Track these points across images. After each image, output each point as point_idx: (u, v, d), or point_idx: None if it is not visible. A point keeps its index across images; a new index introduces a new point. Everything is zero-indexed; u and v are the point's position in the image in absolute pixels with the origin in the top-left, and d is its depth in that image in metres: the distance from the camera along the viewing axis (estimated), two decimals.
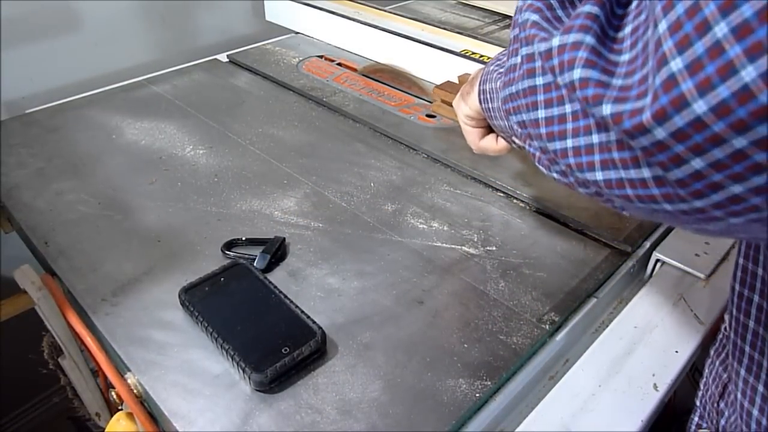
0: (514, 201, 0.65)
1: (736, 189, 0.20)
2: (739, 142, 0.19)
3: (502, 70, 0.37)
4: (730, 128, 0.19)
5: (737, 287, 0.34)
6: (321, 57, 0.99)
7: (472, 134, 0.53)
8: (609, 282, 0.55)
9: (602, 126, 0.25)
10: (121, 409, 0.52)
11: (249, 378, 0.43)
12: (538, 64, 0.29)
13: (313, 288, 0.53)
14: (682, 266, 0.58)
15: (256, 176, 0.68)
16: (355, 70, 0.95)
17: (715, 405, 0.40)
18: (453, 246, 0.58)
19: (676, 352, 0.50)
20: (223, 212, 0.62)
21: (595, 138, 0.26)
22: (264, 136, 0.76)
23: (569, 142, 0.27)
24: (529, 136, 0.32)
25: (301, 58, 0.99)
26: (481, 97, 0.45)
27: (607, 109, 0.23)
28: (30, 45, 0.91)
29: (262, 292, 0.50)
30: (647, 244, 0.60)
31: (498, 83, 0.38)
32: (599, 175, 0.26)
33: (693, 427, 0.43)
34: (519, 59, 0.31)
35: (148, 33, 1.06)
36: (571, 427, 0.44)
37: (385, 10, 0.99)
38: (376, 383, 0.44)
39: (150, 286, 0.53)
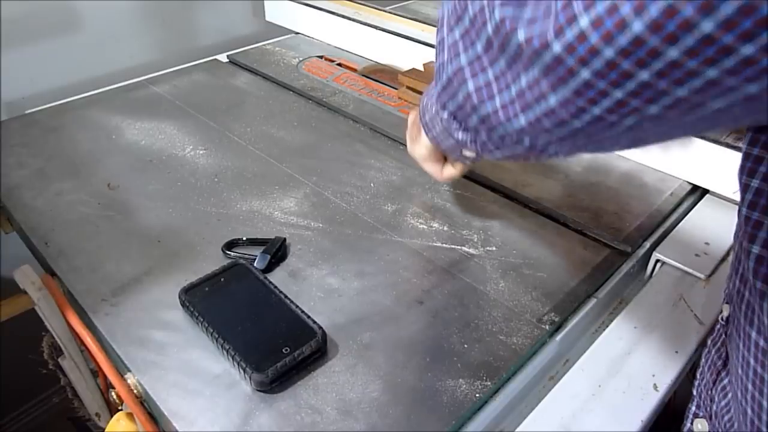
0: (514, 201, 0.65)
1: (618, 94, 0.25)
2: (608, 52, 0.24)
3: (433, 92, 0.44)
4: (601, 39, 0.24)
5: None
6: (321, 57, 0.99)
7: (434, 169, 0.58)
8: (609, 282, 0.55)
9: (517, 76, 0.31)
10: (121, 409, 0.52)
11: (250, 378, 0.43)
12: (468, 34, 0.36)
13: (313, 288, 0.53)
14: (682, 266, 0.58)
15: (256, 176, 0.68)
16: (355, 70, 0.95)
17: (709, 392, 0.41)
18: (453, 246, 0.58)
19: (676, 352, 0.50)
20: (223, 212, 0.62)
21: (513, 90, 0.32)
22: (264, 136, 0.76)
23: (497, 101, 0.34)
24: (464, 118, 0.40)
25: (301, 59, 0.99)
26: (426, 130, 0.50)
27: (521, 35, 0.29)
28: (30, 45, 0.91)
29: (263, 292, 0.50)
30: (647, 245, 0.60)
31: (434, 100, 0.45)
32: (523, 120, 0.32)
33: (690, 416, 0.44)
34: (444, 42, 0.38)
35: (148, 33, 1.06)
36: (571, 427, 0.44)
37: (385, 10, 0.99)
38: (376, 383, 0.44)
39: (150, 286, 0.53)
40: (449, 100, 0.40)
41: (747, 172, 0.31)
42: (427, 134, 0.50)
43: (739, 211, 0.32)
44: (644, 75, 0.24)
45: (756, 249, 0.31)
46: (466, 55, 0.36)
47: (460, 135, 0.43)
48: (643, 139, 0.30)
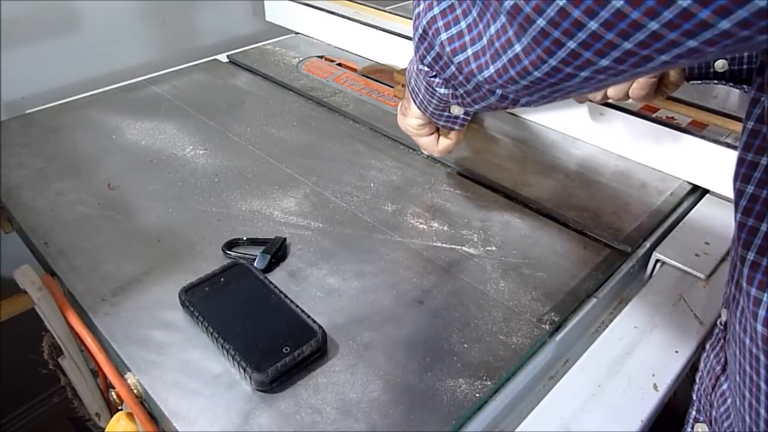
0: (514, 201, 0.65)
1: (571, 44, 0.27)
2: (561, 0, 0.26)
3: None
4: None
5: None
6: (321, 57, 0.99)
7: (428, 142, 0.59)
8: (609, 282, 0.55)
9: (487, 25, 0.34)
10: (121, 409, 0.52)
11: (250, 378, 0.43)
12: None
13: (313, 288, 0.53)
14: (682, 266, 0.58)
15: (256, 176, 0.68)
16: (355, 70, 0.95)
17: (708, 397, 0.41)
18: (453, 246, 0.58)
19: (676, 352, 0.50)
20: (223, 212, 0.62)
21: (485, 39, 0.34)
22: (264, 136, 0.76)
23: (469, 51, 0.36)
24: (442, 68, 0.42)
25: (301, 59, 0.99)
26: (413, 96, 0.51)
27: None
28: (30, 45, 0.91)
29: (262, 292, 0.50)
30: (647, 245, 0.60)
31: (414, 57, 0.46)
32: (492, 69, 0.34)
33: (691, 420, 0.44)
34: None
35: (148, 33, 1.06)
36: (571, 427, 0.44)
37: (385, 10, 0.99)
38: (376, 383, 0.44)
39: (150, 286, 0.53)
40: (427, 53, 0.42)
41: (741, 178, 0.31)
42: (414, 100, 0.52)
43: (735, 217, 0.32)
44: (593, 25, 0.25)
45: (751, 256, 0.31)
46: (440, 6, 0.38)
47: (442, 90, 0.45)
48: (607, 85, 0.32)
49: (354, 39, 0.99)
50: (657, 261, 0.60)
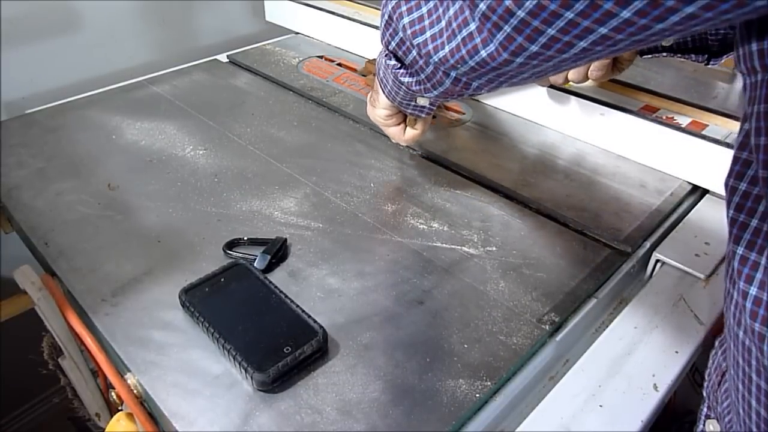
0: (514, 201, 0.65)
1: (507, 28, 0.30)
2: None
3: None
4: None
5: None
6: (321, 57, 0.99)
7: (395, 131, 0.62)
8: (609, 282, 0.55)
9: (447, 8, 0.36)
10: (121, 409, 0.52)
11: (251, 378, 0.43)
12: None
13: (313, 288, 0.53)
14: (682, 266, 0.58)
15: (256, 176, 0.68)
16: (355, 70, 0.95)
17: (715, 393, 0.41)
18: (453, 246, 0.58)
19: (676, 352, 0.50)
20: (223, 212, 0.62)
21: (443, 22, 0.37)
22: (264, 136, 0.76)
23: (428, 33, 0.39)
24: (405, 53, 0.44)
25: (301, 59, 0.99)
26: (382, 87, 0.54)
27: None
28: (30, 45, 0.91)
29: (263, 292, 0.50)
30: (647, 245, 0.60)
31: (383, 50, 0.48)
32: (447, 48, 0.37)
33: (702, 417, 0.44)
34: None
35: (148, 33, 1.06)
36: (571, 427, 0.44)
37: None
38: (376, 383, 0.44)
39: (150, 286, 0.53)
40: (392, 38, 0.44)
41: (735, 175, 0.32)
42: (383, 90, 0.54)
43: (727, 214, 0.33)
44: (521, 13, 0.29)
45: (740, 251, 0.31)
46: None
47: (406, 79, 0.47)
48: (543, 72, 0.35)
49: (354, 39, 0.99)
50: (657, 261, 0.60)
